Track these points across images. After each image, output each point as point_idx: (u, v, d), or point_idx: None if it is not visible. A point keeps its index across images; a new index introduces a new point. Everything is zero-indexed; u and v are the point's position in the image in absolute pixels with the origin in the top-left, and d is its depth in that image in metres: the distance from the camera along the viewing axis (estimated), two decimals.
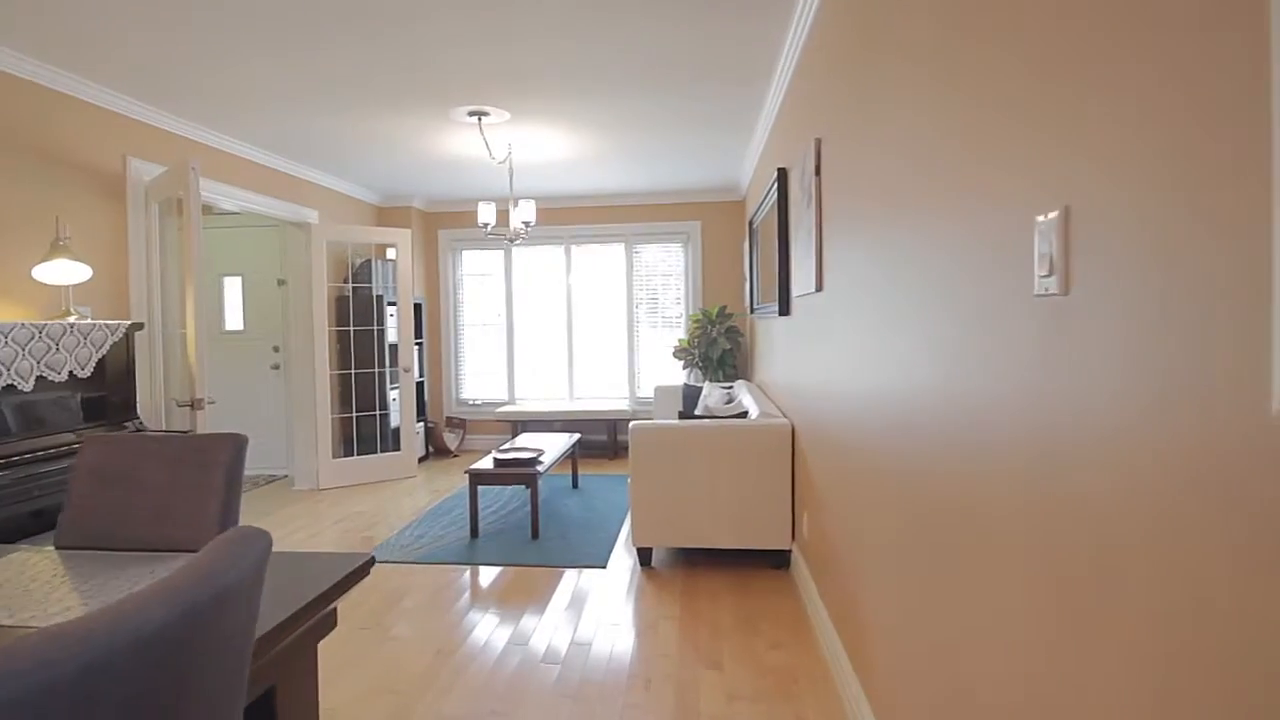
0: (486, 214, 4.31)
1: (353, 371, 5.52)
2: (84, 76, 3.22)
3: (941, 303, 1.31)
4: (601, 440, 6.48)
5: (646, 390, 6.51)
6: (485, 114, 3.78)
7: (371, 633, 2.75)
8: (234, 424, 5.80)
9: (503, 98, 3.60)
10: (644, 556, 3.41)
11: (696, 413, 4.37)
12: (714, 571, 3.32)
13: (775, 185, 3.45)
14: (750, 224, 5.04)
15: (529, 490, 3.89)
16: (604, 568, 3.42)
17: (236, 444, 1.53)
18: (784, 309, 3.37)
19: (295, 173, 5.04)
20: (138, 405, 3.15)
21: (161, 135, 3.82)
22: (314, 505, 4.76)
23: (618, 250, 6.48)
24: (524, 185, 5.76)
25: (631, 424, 3.33)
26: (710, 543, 3.28)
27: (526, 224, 4.32)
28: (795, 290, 3.08)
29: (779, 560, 3.32)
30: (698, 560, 3.46)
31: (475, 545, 3.77)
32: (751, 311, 5.06)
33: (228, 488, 1.51)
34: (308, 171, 5.15)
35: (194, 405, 3.14)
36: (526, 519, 4.21)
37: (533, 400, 6.64)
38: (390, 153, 4.69)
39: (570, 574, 3.36)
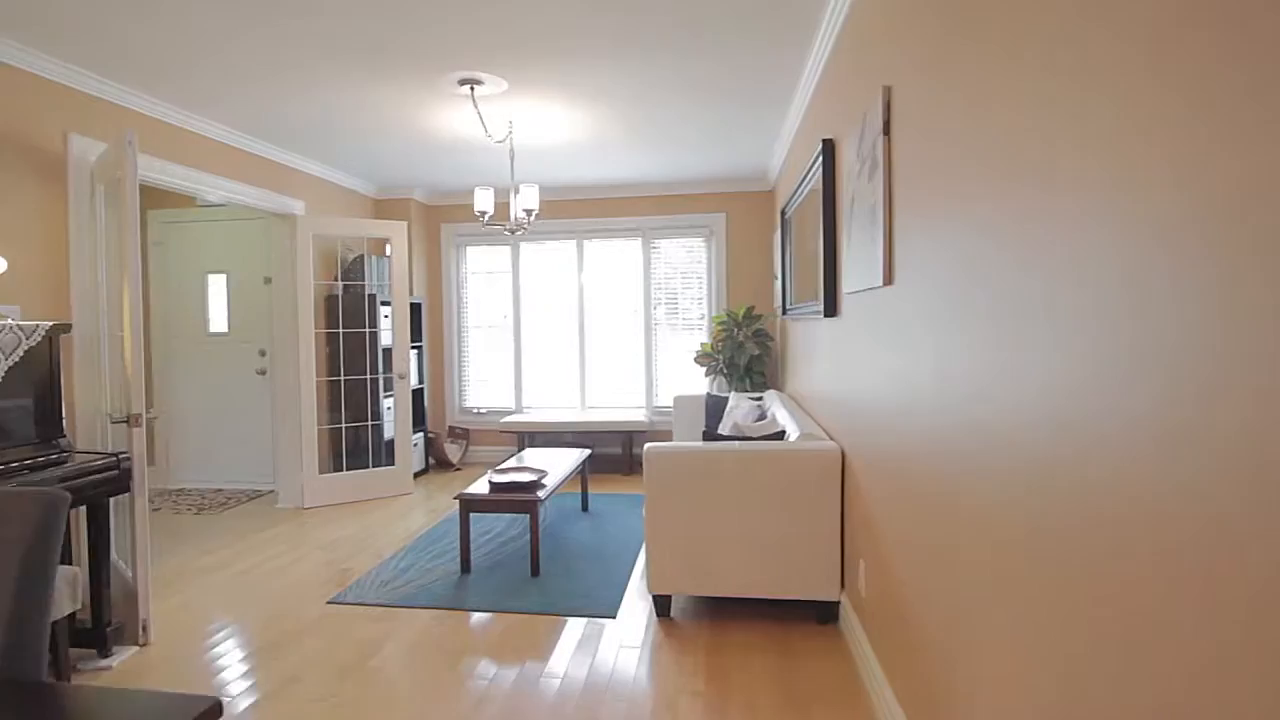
0: (483, 201, 3.80)
1: (342, 378, 5.04)
2: (13, 39, 2.76)
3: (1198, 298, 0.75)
4: (615, 454, 5.94)
5: (665, 399, 5.96)
6: (478, 82, 3.26)
7: (324, 708, 2.23)
8: (218, 434, 5.36)
9: (498, 62, 3.08)
10: (661, 605, 2.86)
11: (723, 431, 3.82)
12: (746, 625, 2.76)
13: (819, 160, 2.89)
14: (782, 214, 4.47)
15: (529, 518, 3.38)
16: (614, 617, 2.88)
17: (43, 511, 1.01)
18: (830, 309, 2.80)
19: (279, 159, 4.57)
20: (64, 421, 2.67)
21: (115, 111, 3.36)
22: (296, 528, 4.28)
23: (634, 246, 5.95)
24: (531, 174, 5.25)
25: (646, 447, 2.79)
26: (741, 590, 2.73)
27: (529, 212, 3.80)
28: (847, 286, 2.51)
29: (825, 613, 2.75)
30: (726, 611, 2.91)
31: (466, 583, 3.25)
32: (784, 313, 4.49)
33: (26, 578, 0.99)
34: (293, 158, 4.68)
35: (130, 422, 2.66)
36: (527, 549, 3.68)
37: (541, 409, 6.12)
38: (381, 135, 4.20)
39: (574, 625, 2.82)
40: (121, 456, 2.57)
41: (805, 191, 3.51)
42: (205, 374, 5.37)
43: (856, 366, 2.43)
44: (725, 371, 5.17)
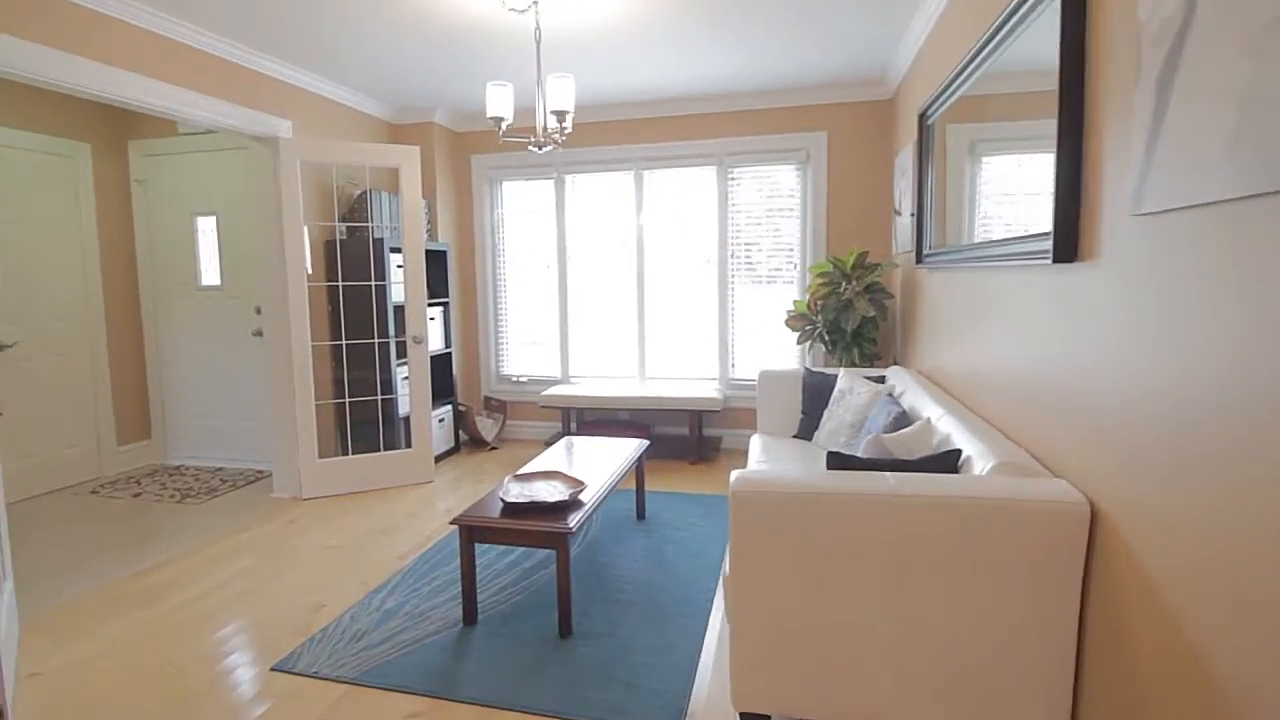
0: (498, 103, 2.70)
1: (344, 342, 4.13)
2: None
3: None
4: (680, 435, 4.88)
5: (744, 370, 4.82)
6: None
7: None
8: (217, 404, 4.59)
9: None
10: None
11: (830, 429, 2.67)
12: None
13: None
14: (921, 122, 3.18)
15: (557, 554, 2.36)
16: None
17: None
18: (1066, 249, 1.59)
19: (258, 66, 3.59)
20: None
21: None
22: (280, 530, 3.43)
23: (706, 176, 4.74)
24: (574, 79, 4.09)
25: (734, 480, 1.69)
26: None
27: (562, 118, 2.67)
28: (1147, 200, 1.30)
29: None
30: None
31: (466, 644, 2.28)
32: (918, 260, 3.25)
33: None
34: (277, 65, 3.68)
35: None
36: (555, 586, 2.68)
37: (591, 380, 5.09)
38: (375, 20, 3.13)
39: None
40: None
41: (977, 73, 2.24)
42: (199, 334, 4.58)
43: (1153, 350, 1.24)
44: (826, 338, 3.97)
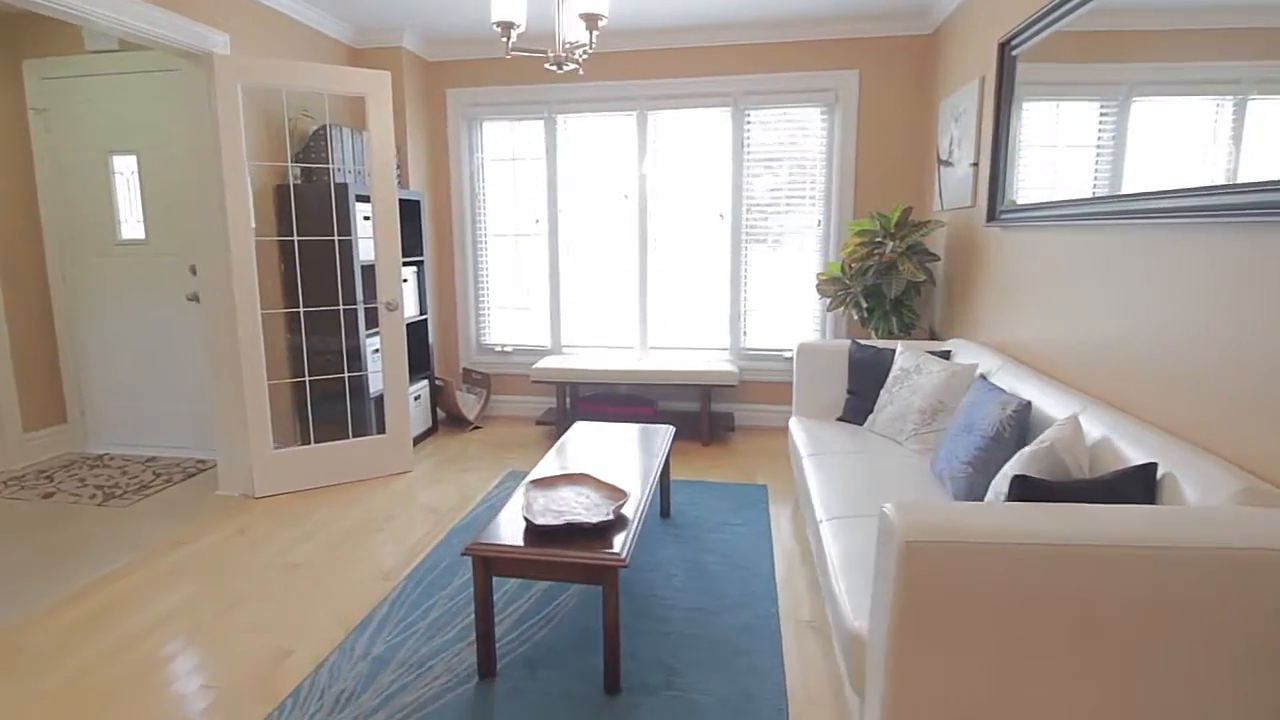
0: (507, 4, 2.08)
1: (302, 309, 3.47)
2: None
3: None
4: (686, 412, 4.39)
5: (756, 340, 4.35)
6: None
7: None
8: (148, 382, 3.90)
9: None
10: None
11: (914, 436, 2.20)
12: None
13: None
14: (1004, 53, 2.69)
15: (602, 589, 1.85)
16: None
17: None
18: None
19: None
20: None
21: None
22: (229, 540, 2.84)
23: (720, 119, 4.16)
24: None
25: (901, 520, 1.20)
26: None
27: (594, 24, 2.07)
28: None
29: None
30: None
31: (485, 704, 1.78)
32: (991, 218, 2.79)
33: None
34: None
35: None
36: (588, 621, 2.19)
37: (586, 350, 4.55)
38: None
39: None
40: None
41: None
42: (122, 298, 3.84)
43: None
44: (863, 304, 3.51)
